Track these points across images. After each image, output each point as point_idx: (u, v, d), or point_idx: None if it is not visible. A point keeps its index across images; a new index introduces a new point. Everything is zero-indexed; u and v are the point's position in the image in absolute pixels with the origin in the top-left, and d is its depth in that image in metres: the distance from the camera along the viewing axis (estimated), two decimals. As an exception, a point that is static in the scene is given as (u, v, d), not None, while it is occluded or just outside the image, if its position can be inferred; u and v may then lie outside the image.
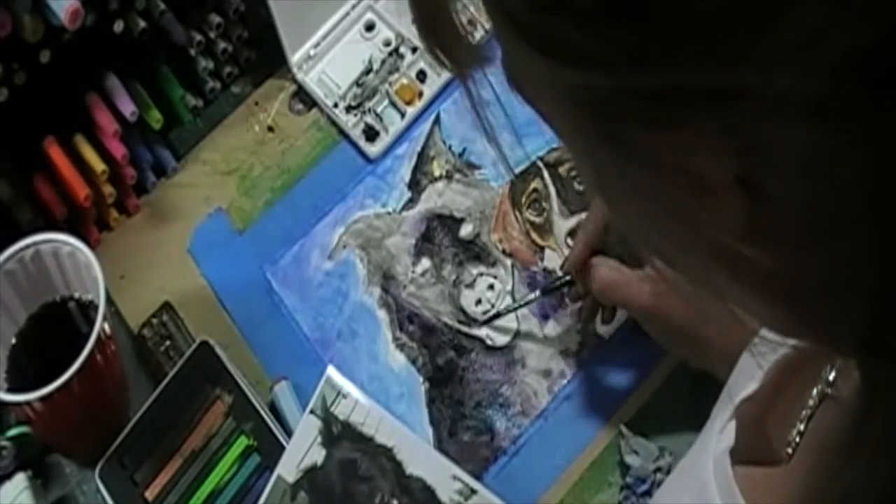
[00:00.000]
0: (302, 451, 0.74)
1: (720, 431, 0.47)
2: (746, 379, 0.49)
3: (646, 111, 0.25)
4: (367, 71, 0.89)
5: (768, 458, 0.43)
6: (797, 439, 0.42)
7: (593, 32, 0.24)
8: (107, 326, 0.69)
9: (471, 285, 0.82)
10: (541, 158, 0.86)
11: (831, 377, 0.41)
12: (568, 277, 0.75)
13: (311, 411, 0.75)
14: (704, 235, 0.28)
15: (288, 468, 0.73)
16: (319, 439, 0.74)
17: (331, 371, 0.77)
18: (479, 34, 0.43)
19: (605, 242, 0.72)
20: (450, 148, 0.87)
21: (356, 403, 0.76)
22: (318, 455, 0.74)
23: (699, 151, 0.25)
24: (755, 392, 0.48)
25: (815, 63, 0.22)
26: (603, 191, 0.31)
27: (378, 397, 0.77)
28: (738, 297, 0.32)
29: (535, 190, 0.85)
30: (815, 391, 0.42)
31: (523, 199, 0.85)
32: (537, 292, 0.78)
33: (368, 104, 0.88)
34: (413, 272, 0.82)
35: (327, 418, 0.75)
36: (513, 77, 0.30)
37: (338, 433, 0.75)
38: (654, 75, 0.24)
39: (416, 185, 0.86)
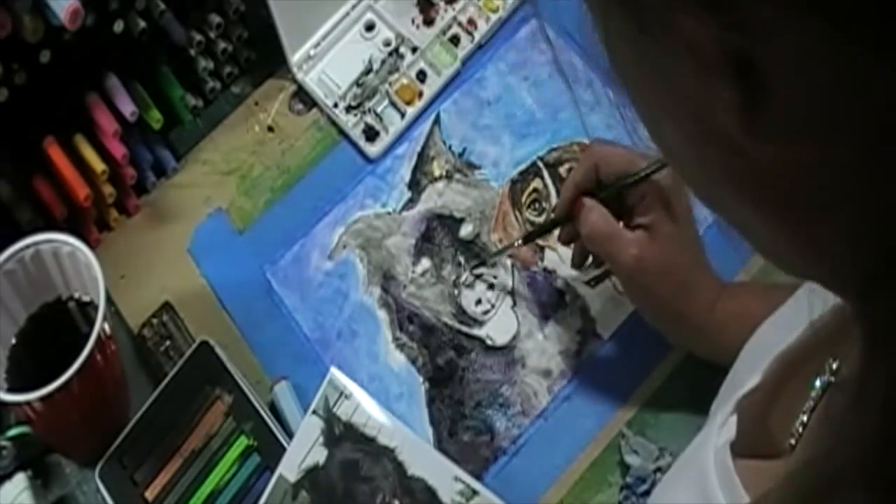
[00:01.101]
0: (304, 450, 0.74)
1: (721, 425, 0.47)
2: (747, 373, 0.49)
3: None
4: (367, 71, 0.89)
5: (771, 451, 0.43)
6: (800, 430, 0.41)
7: None
8: (107, 326, 0.69)
9: (471, 285, 0.82)
10: (541, 158, 0.86)
11: (834, 367, 0.41)
12: (557, 220, 0.75)
13: (314, 411, 0.75)
14: (703, 120, 0.27)
15: (289, 468, 0.73)
16: (321, 439, 0.74)
17: (334, 371, 0.77)
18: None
19: (595, 187, 0.71)
20: (450, 148, 0.87)
21: (359, 404, 0.76)
22: (319, 455, 0.74)
23: (701, 22, 0.25)
24: (757, 386, 0.48)
25: None
26: (616, 66, 0.31)
27: (378, 397, 0.77)
28: (738, 210, 0.31)
29: (535, 190, 0.85)
30: (818, 383, 0.42)
31: (523, 199, 0.85)
32: (519, 241, 0.78)
33: (368, 104, 0.88)
34: (413, 272, 0.82)
35: (329, 419, 0.75)
36: None
37: (340, 433, 0.75)
38: None
39: (416, 185, 0.86)
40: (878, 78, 0.23)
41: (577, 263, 0.78)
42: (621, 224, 0.69)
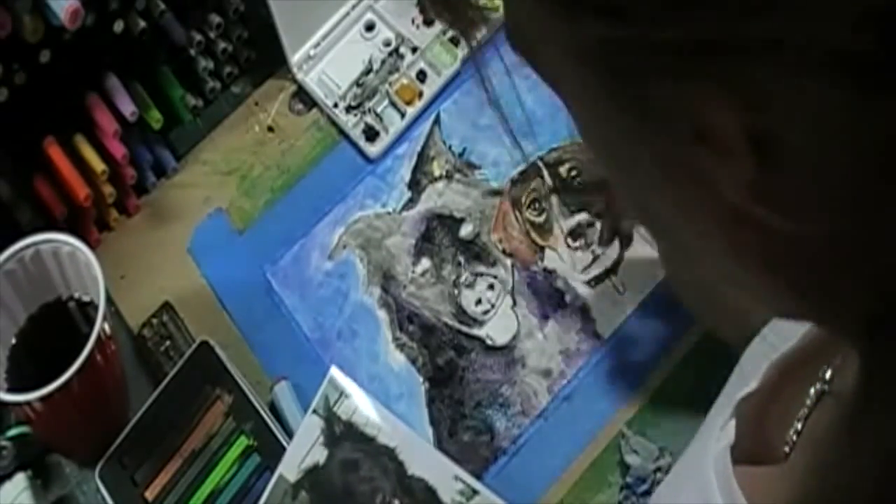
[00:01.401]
0: (304, 450, 0.74)
1: (721, 429, 0.47)
2: (746, 378, 0.49)
3: (665, 63, 0.25)
4: (367, 71, 0.89)
5: (767, 457, 0.43)
6: (794, 438, 0.42)
7: None
8: (107, 326, 0.69)
9: (471, 285, 0.82)
10: (541, 158, 0.86)
11: (828, 375, 0.41)
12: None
13: (314, 411, 0.75)
14: (710, 199, 0.27)
15: (289, 468, 0.73)
16: (322, 439, 0.74)
17: (334, 371, 0.77)
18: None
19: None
20: (450, 148, 0.87)
21: (359, 404, 0.76)
22: (320, 455, 0.74)
23: (715, 105, 0.24)
24: (754, 391, 0.48)
25: (838, 14, 0.22)
26: (607, 154, 0.31)
27: (378, 397, 0.77)
28: (735, 272, 0.31)
29: (535, 190, 0.85)
30: (812, 390, 0.42)
31: (523, 199, 0.85)
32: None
33: (368, 104, 0.88)
34: (413, 272, 0.82)
35: (330, 418, 0.75)
36: (521, 41, 0.30)
37: (340, 433, 0.75)
38: (677, 27, 0.24)
39: (416, 185, 0.86)
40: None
41: (608, 240, 0.77)
42: None
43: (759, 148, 0.25)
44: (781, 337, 0.49)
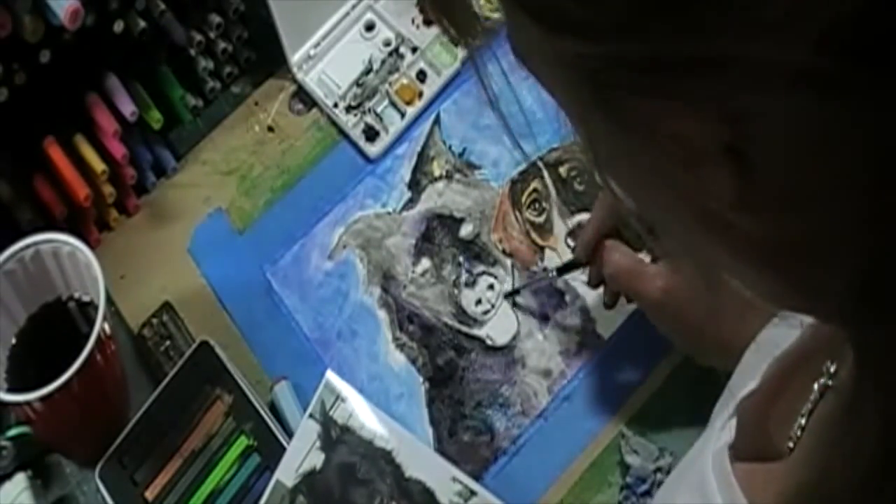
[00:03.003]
0: (301, 455, 0.74)
1: (721, 429, 0.47)
2: (748, 377, 0.49)
3: (635, 79, 0.25)
4: (367, 71, 0.89)
5: (770, 454, 0.43)
6: (798, 433, 0.42)
7: (583, 1, 0.25)
8: (107, 326, 0.69)
9: (471, 285, 0.82)
10: (541, 158, 0.86)
11: (832, 369, 0.41)
12: (577, 263, 0.74)
13: (310, 415, 0.75)
14: (693, 202, 0.28)
15: (286, 473, 0.73)
16: (318, 443, 0.74)
17: (330, 375, 0.77)
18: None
19: (616, 227, 0.70)
20: (450, 148, 0.87)
21: (355, 407, 0.76)
22: (317, 459, 0.74)
23: (688, 119, 0.25)
24: (756, 389, 0.48)
25: (800, 33, 0.22)
26: (597, 158, 0.32)
27: (378, 397, 0.77)
28: (727, 264, 0.32)
29: (535, 190, 0.85)
30: (816, 386, 0.42)
31: (523, 199, 0.85)
32: (553, 272, 0.77)
33: (368, 104, 0.88)
34: (413, 272, 0.82)
35: (326, 422, 0.75)
36: (515, 47, 0.31)
37: (337, 437, 0.75)
38: (643, 44, 0.24)
39: (416, 185, 0.86)
40: (867, 123, 0.24)
41: (611, 304, 0.76)
42: (647, 257, 0.69)
43: (733, 158, 0.25)
44: (779, 336, 0.49)
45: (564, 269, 0.76)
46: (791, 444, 0.42)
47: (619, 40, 0.25)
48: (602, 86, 0.27)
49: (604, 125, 0.28)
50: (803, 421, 0.42)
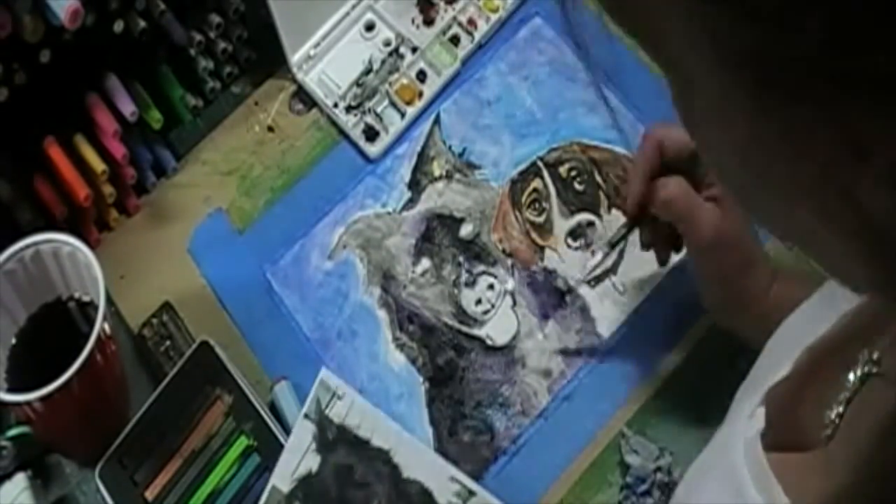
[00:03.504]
0: (297, 458, 0.73)
1: (749, 417, 0.46)
2: (775, 364, 0.48)
3: (814, 87, 0.24)
4: (367, 71, 0.89)
5: (801, 443, 0.42)
6: (837, 421, 0.41)
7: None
8: (107, 326, 0.69)
9: (471, 285, 0.82)
10: (541, 158, 0.86)
11: (875, 356, 0.41)
12: (634, 214, 0.71)
13: (306, 415, 0.75)
14: (841, 202, 0.27)
15: (282, 477, 0.73)
16: (314, 446, 0.74)
17: (324, 373, 0.77)
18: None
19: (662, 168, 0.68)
20: (450, 148, 0.87)
21: (351, 405, 0.76)
22: (313, 462, 0.74)
23: (871, 127, 0.24)
24: (786, 376, 0.47)
25: None
26: (690, 115, 0.30)
27: (378, 397, 0.77)
28: (821, 244, 0.30)
29: (535, 190, 0.85)
30: (853, 374, 0.41)
31: (523, 199, 0.85)
32: (605, 247, 0.73)
33: (368, 104, 0.88)
34: (413, 272, 0.82)
35: (322, 422, 0.75)
36: (628, 19, 0.29)
37: (333, 438, 0.75)
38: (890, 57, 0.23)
39: (416, 185, 0.86)
40: None
41: (665, 258, 0.74)
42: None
43: None
44: (806, 324, 0.49)
45: (619, 239, 0.73)
46: (828, 433, 0.41)
47: (827, 48, 0.23)
48: (762, 80, 0.25)
49: (753, 126, 0.27)
50: (841, 409, 0.41)
